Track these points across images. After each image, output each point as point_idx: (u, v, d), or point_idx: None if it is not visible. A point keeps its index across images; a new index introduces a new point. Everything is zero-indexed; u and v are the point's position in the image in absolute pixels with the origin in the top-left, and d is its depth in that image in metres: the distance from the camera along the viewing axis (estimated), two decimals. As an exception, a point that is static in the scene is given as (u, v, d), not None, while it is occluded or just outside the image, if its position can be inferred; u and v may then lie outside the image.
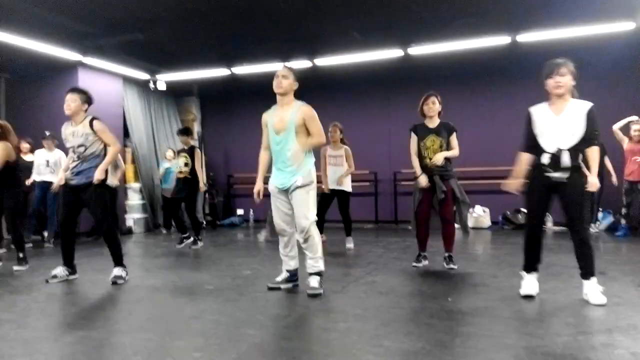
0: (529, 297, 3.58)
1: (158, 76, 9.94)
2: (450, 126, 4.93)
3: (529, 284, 3.65)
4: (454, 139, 4.92)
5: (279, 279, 4.17)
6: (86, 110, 4.61)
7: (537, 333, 2.83)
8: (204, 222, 10.47)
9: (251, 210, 11.21)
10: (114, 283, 4.39)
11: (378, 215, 10.23)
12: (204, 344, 2.76)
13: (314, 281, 3.90)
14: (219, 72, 9.48)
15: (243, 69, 9.33)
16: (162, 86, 10.02)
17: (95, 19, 7.01)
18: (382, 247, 6.70)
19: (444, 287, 4.13)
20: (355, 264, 5.41)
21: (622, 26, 7.25)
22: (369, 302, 3.66)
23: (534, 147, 3.61)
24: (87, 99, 4.62)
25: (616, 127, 7.41)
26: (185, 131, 7.44)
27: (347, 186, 6.42)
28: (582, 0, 6.57)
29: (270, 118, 4.02)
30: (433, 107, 4.89)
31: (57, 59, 8.17)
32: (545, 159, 3.51)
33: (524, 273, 3.72)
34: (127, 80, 9.74)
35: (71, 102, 4.51)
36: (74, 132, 4.52)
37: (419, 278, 4.56)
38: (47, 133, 7.62)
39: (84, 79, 8.80)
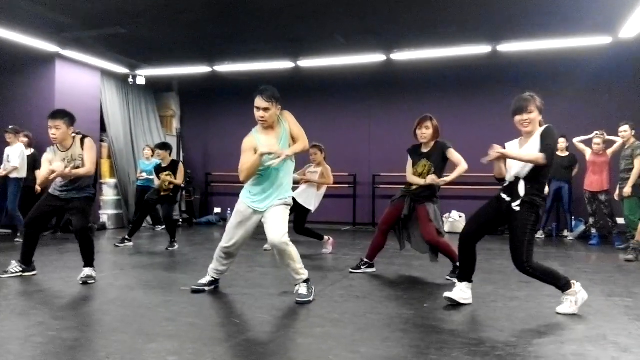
0: (450, 300, 3.62)
1: (138, 71, 9.81)
2: (441, 145, 4.59)
3: (458, 290, 3.65)
4: (452, 155, 4.57)
5: (204, 281, 4.14)
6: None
7: (510, 341, 2.87)
8: (180, 220, 10.37)
9: (228, 209, 11.13)
10: (85, 283, 4.30)
11: (356, 218, 10.27)
12: (179, 347, 2.73)
13: (303, 289, 3.79)
14: (200, 69, 9.40)
15: (225, 67, 9.27)
16: (141, 81, 9.88)
17: (75, 11, 6.87)
18: (360, 250, 6.70)
19: (420, 293, 4.16)
20: (332, 267, 5.42)
21: (599, 40, 7.44)
22: (345, 306, 3.67)
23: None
24: (71, 120, 4.46)
25: (576, 140, 7.63)
26: (165, 146, 7.06)
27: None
28: (561, 13, 6.71)
29: (259, 142, 3.74)
30: (426, 132, 4.56)
31: (34, 50, 7.98)
32: (504, 186, 3.58)
33: (456, 281, 3.75)
34: (106, 73, 9.57)
35: (55, 129, 4.35)
36: (67, 157, 4.40)
37: (396, 283, 4.60)
38: (10, 127, 7.35)
39: (62, 71, 8.63)
